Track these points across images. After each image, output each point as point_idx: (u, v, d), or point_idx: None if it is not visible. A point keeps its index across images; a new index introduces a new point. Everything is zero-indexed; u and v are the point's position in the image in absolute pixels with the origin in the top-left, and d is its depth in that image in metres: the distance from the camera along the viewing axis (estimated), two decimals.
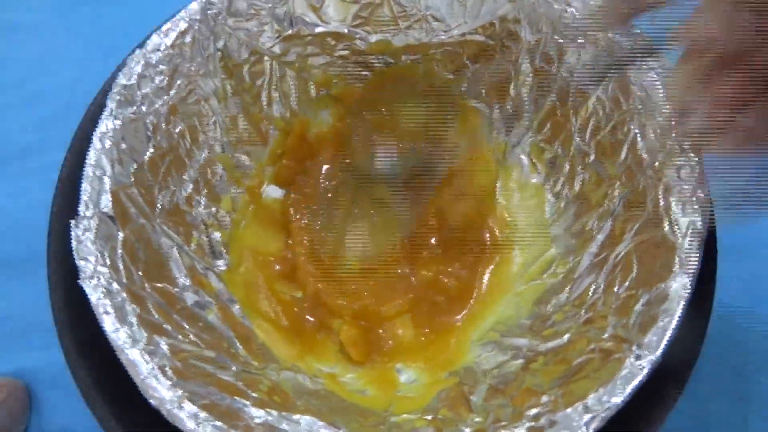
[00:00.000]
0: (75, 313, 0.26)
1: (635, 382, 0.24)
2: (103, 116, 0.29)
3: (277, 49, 0.35)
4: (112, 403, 0.26)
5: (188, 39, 0.32)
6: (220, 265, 0.34)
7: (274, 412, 0.25)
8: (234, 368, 0.28)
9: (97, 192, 0.28)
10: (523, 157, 0.36)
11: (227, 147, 0.35)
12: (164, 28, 0.32)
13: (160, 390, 0.24)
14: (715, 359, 0.37)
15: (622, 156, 0.30)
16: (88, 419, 0.25)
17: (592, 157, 0.32)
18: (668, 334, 0.24)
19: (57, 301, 0.28)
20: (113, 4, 0.49)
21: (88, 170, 0.28)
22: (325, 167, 0.39)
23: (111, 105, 0.29)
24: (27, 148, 0.44)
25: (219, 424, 0.23)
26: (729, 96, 0.21)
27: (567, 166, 0.34)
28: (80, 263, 0.26)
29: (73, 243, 0.26)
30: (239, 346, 0.30)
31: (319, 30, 0.35)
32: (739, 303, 0.40)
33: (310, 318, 0.36)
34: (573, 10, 0.31)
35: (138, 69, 0.30)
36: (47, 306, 0.27)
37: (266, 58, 0.35)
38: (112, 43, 0.31)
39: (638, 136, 0.29)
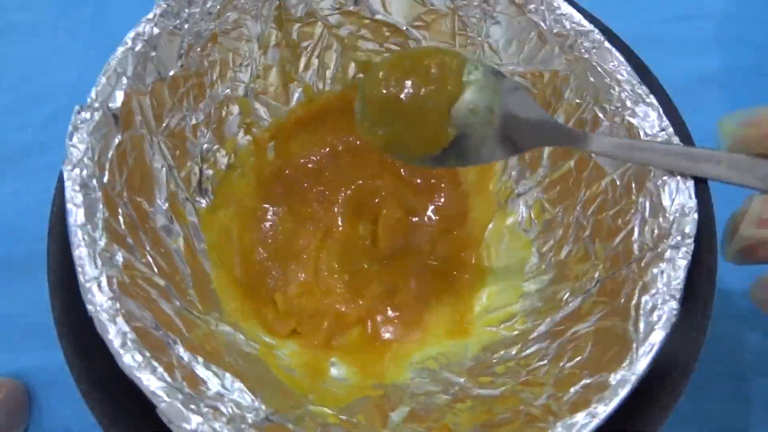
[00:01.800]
0: (75, 313, 0.26)
1: None
2: (144, 19, 0.29)
3: (332, 20, 0.35)
4: (112, 403, 0.25)
5: None
6: (202, 202, 0.34)
7: (200, 359, 0.25)
8: (177, 303, 0.28)
9: (111, 87, 0.27)
10: (524, 209, 0.36)
11: (250, 93, 0.35)
12: None
13: (99, 298, 0.23)
14: (715, 359, 0.36)
15: (615, 242, 0.31)
16: (88, 419, 0.25)
17: (587, 233, 0.33)
18: (595, 421, 0.24)
19: (57, 301, 0.27)
20: (114, 4, 0.48)
21: (111, 64, 0.28)
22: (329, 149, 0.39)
23: (156, 11, 0.29)
24: (27, 148, 0.44)
25: (144, 351, 0.23)
26: None
27: (560, 232, 0.34)
28: (70, 148, 0.25)
29: (70, 128, 0.26)
30: (191, 284, 0.30)
31: (378, 17, 0.35)
32: (739, 303, 0.39)
33: (269, 283, 0.35)
34: (620, 89, 0.31)
35: None
36: (47, 306, 0.27)
37: (319, 23, 0.35)
38: (113, 44, 0.30)
39: (636, 230, 0.30)
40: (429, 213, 0.38)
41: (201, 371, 0.25)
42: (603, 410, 0.25)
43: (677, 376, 0.27)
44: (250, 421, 0.24)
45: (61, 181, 0.28)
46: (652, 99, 0.31)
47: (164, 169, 0.30)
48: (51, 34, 0.48)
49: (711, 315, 0.28)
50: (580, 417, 0.25)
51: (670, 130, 0.30)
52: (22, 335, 0.38)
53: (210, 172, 0.34)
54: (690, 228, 0.28)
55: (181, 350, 0.25)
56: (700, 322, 0.28)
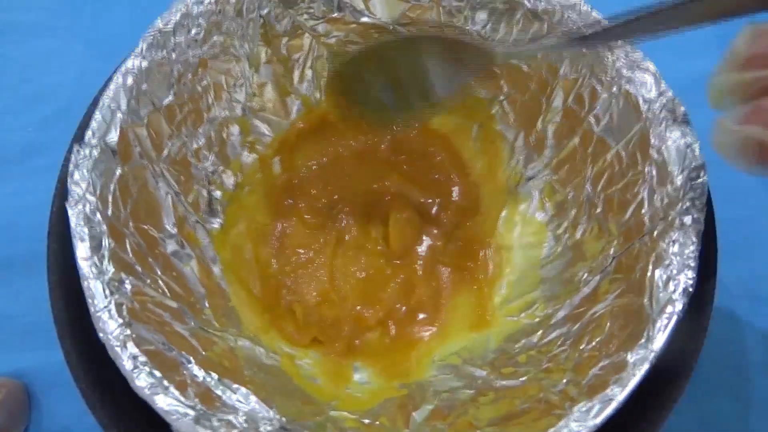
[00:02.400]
0: (75, 313, 0.26)
1: None
2: (132, 55, 0.30)
3: (319, 29, 0.35)
4: (111, 403, 0.26)
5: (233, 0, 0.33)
6: (214, 223, 0.34)
7: (215, 375, 0.26)
8: (192, 324, 0.28)
9: (106, 124, 0.28)
10: (535, 193, 0.36)
11: (248, 112, 0.36)
12: None
13: (110, 325, 0.24)
14: (715, 359, 0.36)
15: (626, 216, 0.30)
16: (88, 419, 0.26)
17: (599, 209, 0.32)
18: (612, 405, 0.24)
19: (57, 301, 0.27)
20: (114, 4, 0.48)
21: (105, 101, 0.29)
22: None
23: (142, 45, 0.30)
24: (27, 148, 0.44)
25: (156, 372, 0.24)
26: None
27: (573, 212, 0.33)
28: (71, 186, 0.27)
29: (71, 166, 0.27)
30: (206, 304, 0.31)
31: (364, 20, 0.35)
32: (739, 303, 0.39)
33: (286, 296, 0.36)
34: (614, 57, 0.30)
35: (177, 17, 0.31)
36: (47, 306, 0.27)
37: (307, 34, 0.35)
38: (113, 44, 0.31)
39: (645, 201, 0.29)
40: (439, 208, 0.38)
41: (214, 387, 0.25)
42: (620, 392, 0.24)
43: (677, 376, 0.26)
44: (263, 431, 0.24)
45: (61, 181, 0.29)
46: (648, 64, 0.30)
47: (170, 195, 0.31)
48: (51, 34, 0.48)
49: (711, 315, 0.27)
50: (596, 401, 0.24)
51: (669, 94, 0.29)
52: (22, 335, 0.39)
53: (218, 193, 0.35)
54: (699, 192, 0.27)
55: (195, 368, 0.26)
56: (700, 322, 0.27)
